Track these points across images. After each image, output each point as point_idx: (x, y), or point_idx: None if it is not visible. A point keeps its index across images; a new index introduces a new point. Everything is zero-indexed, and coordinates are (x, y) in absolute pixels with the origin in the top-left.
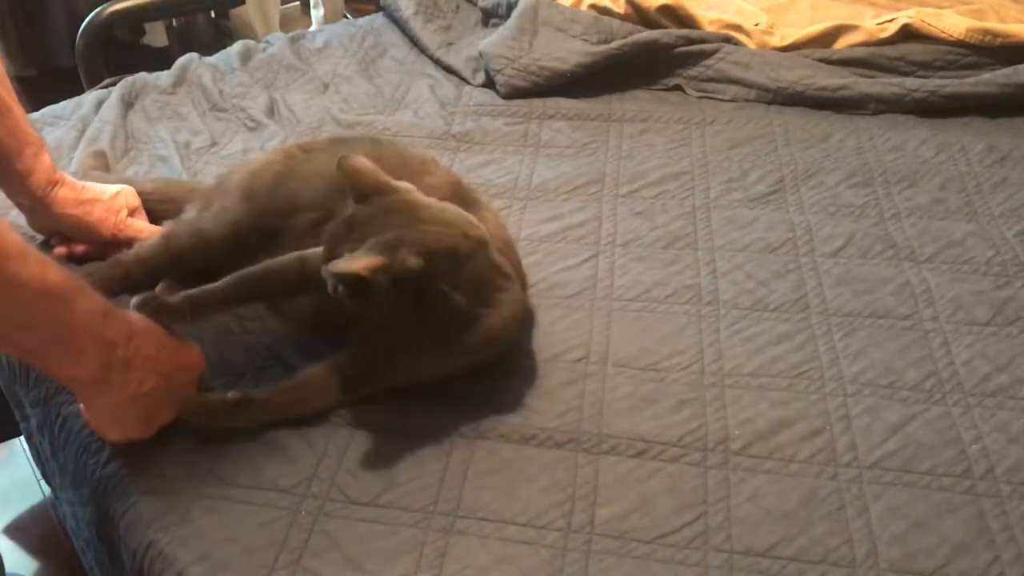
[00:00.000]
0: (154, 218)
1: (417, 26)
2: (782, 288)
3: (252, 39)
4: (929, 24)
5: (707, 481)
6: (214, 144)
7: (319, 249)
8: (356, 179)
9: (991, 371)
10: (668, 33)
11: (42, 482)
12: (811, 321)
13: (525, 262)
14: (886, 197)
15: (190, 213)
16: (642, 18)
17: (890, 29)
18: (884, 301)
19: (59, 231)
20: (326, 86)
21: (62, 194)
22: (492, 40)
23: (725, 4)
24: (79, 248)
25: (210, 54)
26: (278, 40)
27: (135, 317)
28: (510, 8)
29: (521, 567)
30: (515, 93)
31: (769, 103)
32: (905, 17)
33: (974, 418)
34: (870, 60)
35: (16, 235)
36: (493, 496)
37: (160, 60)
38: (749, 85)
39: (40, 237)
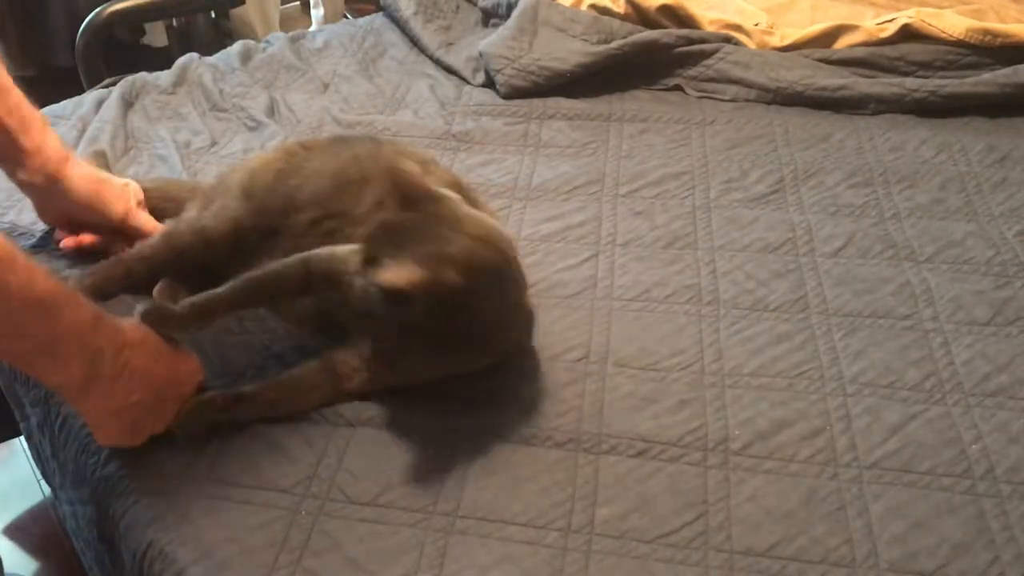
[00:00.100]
0: (154, 217)
1: (417, 26)
2: (782, 288)
3: (252, 39)
4: (929, 24)
5: (707, 481)
6: (214, 144)
7: (322, 250)
8: (404, 185)
9: (991, 371)
10: (668, 33)
11: (42, 482)
12: (811, 321)
13: (525, 262)
14: (886, 197)
15: (191, 212)
16: (642, 18)
17: (890, 29)
18: (884, 301)
19: (70, 213)
20: (326, 86)
21: (75, 170)
22: (492, 40)
23: (725, 4)
24: (87, 238)
25: (210, 54)
26: (278, 40)
27: (129, 327)
28: (510, 8)
29: (521, 567)
30: (515, 93)
31: (769, 103)
32: (905, 17)
33: (974, 418)
34: (870, 60)
35: (4, 241)
36: (493, 496)
37: (160, 60)
38: (749, 85)
39: (39, 232)
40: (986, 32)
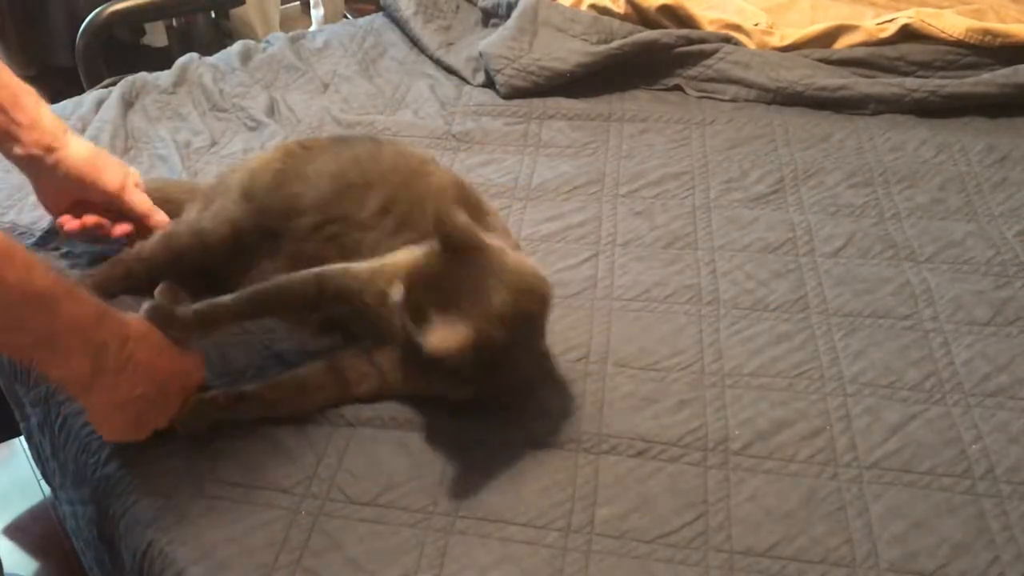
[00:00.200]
0: None
1: (417, 26)
2: (782, 288)
3: (252, 39)
4: (929, 24)
5: (707, 481)
6: (214, 144)
7: (335, 267)
8: (450, 233)
9: (991, 371)
10: (668, 33)
11: (42, 482)
12: (811, 321)
13: None
14: (886, 197)
15: (191, 213)
16: (642, 18)
17: (890, 29)
18: (884, 301)
19: (66, 189)
20: (326, 86)
21: (72, 142)
22: (492, 40)
23: (725, 4)
24: (90, 219)
25: (210, 54)
26: (278, 40)
27: (134, 321)
28: (510, 8)
29: (521, 567)
30: (515, 93)
31: (769, 103)
32: (905, 17)
33: (974, 418)
34: (870, 60)
35: (2, 236)
36: (493, 496)
37: (160, 60)
38: (749, 85)
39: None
40: (986, 32)
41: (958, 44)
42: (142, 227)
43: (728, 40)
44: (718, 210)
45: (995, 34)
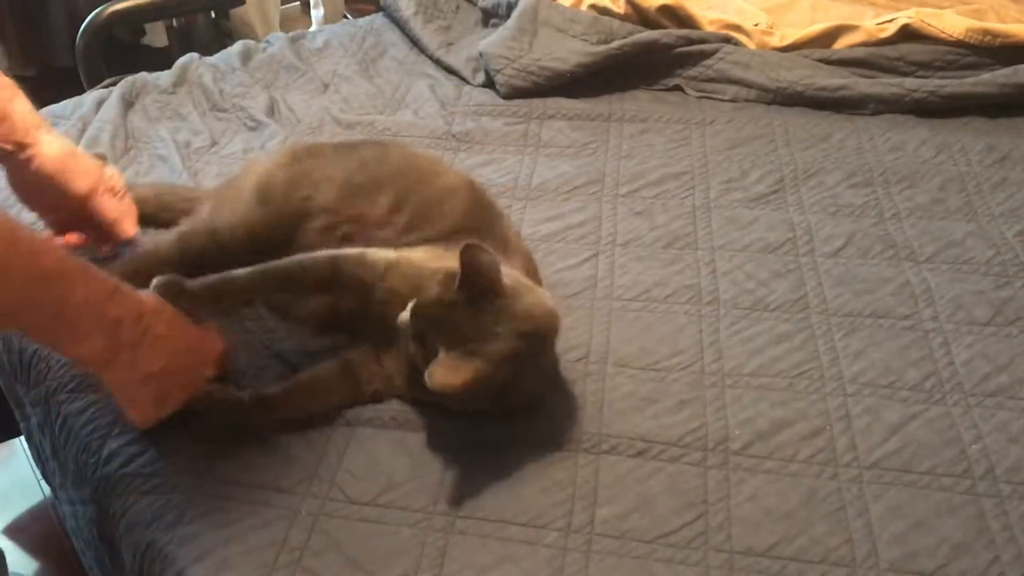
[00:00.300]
0: (153, 226)
1: (417, 26)
2: (782, 288)
3: (252, 39)
4: (929, 24)
5: (707, 481)
6: (214, 144)
7: (352, 251)
8: (472, 275)
9: (991, 371)
10: (668, 33)
11: (42, 482)
12: (811, 321)
13: None
14: (886, 197)
15: (200, 214)
16: (642, 18)
17: (890, 29)
18: (884, 301)
19: (36, 188)
20: (326, 86)
21: (47, 139)
22: (492, 40)
23: (725, 4)
24: (72, 238)
25: (210, 54)
26: (278, 40)
27: (147, 297)
28: (510, 8)
29: (521, 567)
30: (515, 93)
31: (769, 103)
32: (905, 17)
33: (974, 418)
34: (870, 60)
35: (5, 218)
36: (493, 496)
37: (160, 60)
38: (749, 85)
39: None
40: (986, 32)
41: (958, 44)
42: (105, 234)
43: (728, 40)
44: (718, 210)
45: (995, 34)
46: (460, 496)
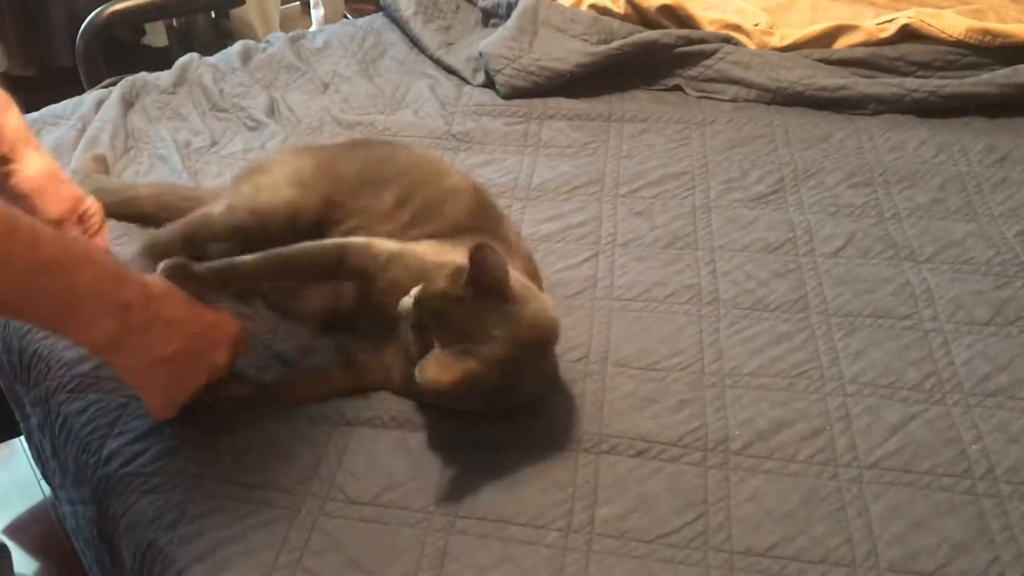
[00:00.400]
0: (152, 225)
1: (417, 26)
2: (782, 288)
3: (252, 39)
4: (929, 24)
5: (707, 481)
6: (214, 144)
7: (358, 240)
8: (481, 274)
9: (991, 371)
10: (668, 33)
11: (42, 482)
12: (811, 321)
13: None
14: (886, 197)
15: (214, 208)
16: (642, 18)
17: (890, 29)
18: (884, 301)
19: (11, 203)
20: (326, 86)
21: (31, 157)
22: (492, 40)
23: (725, 4)
24: None
25: (210, 54)
26: (278, 40)
27: (155, 280)
28: (510, 8)
29: (521, 567)
30: (515, 93)
31: (769, 103)
32: (905, 17)
33: (974, 418)
34: (870, 60)
35: (4, 208)
36: (493, 496)
37: (160, 60)
38: (749, 85)
39: None
40: (986, 32)
41: (958, 44)
42: None
43: (728, 40)
44: (718, 210)
45: (995, 34)
46: (460, 496)
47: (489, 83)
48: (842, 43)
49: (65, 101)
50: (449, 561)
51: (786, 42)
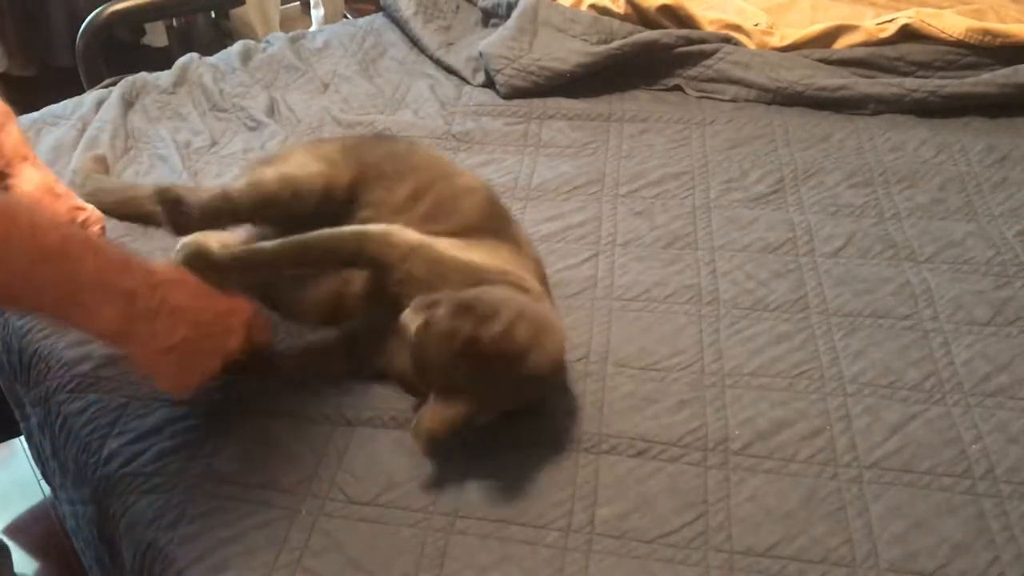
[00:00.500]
0: (153, 225)
1: (417, 26)
2: (782, 288)
3: (252, 39)
4: (929, 24)
5: (707, 481)
6: (214, 144)
7: (377, 228)
8: (484, 345)
9: (991, 371)
10: (668, 33)
11: (42, 482)
12: (811, 321)
13: None
14: (886, 197)
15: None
16: (642, 18)
17: (890, 29)
18: (884, 301)
19: None
20: (326, 86)
21: (28, 173)
22: (492, 40)
23: (725, 4)
24: None
25: (210, 54)
26: (278, 40)
27: (162, 267)
28: (510, 8)
29: (521, 567)
30: (515, 93)
31: (769, 103)
32: (905, 17)
33: (974, 418)
34: (870, 60)
35: (6, 200)
36: (493, 496)
37: (160, 60)
38: (749, 85)
39: None
40: (986, 32)
41: (958, 44)
42: None
43: (728, 40)
44: (718, 210)
45: (995, 34)
46: (460, 496)
47: (489, 83)
48: (842, 43)
49: (65, 101)
50: (449, 561)
51: (786, 42)
